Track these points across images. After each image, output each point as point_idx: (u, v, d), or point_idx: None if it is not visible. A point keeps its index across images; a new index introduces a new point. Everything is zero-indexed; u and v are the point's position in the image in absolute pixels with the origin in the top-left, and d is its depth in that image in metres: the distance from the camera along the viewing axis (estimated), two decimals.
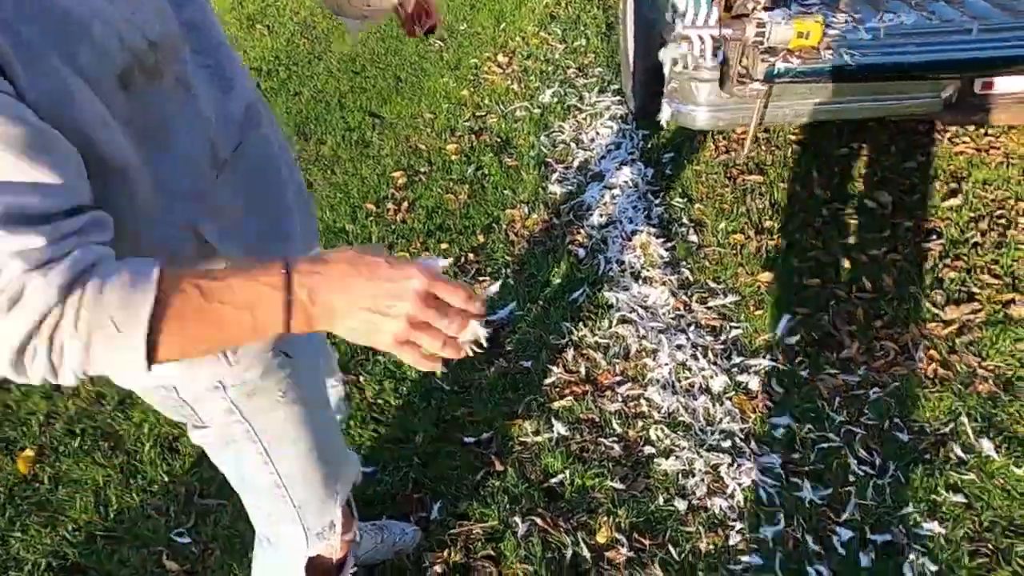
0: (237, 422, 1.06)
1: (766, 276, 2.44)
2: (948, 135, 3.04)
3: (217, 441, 1.10)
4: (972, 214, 2.63)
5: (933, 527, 1.71)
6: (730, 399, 2.06)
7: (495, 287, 2.42)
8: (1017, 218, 2.59)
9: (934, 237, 2.56)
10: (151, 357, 0.68)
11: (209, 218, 0.89)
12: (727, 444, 1.95)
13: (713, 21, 1.77)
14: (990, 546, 1.67)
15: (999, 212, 2.62)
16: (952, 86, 2.08)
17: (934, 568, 1.64)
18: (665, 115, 2.23)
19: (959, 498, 1.77)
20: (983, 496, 1.77)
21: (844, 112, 2.13)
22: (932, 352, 2.15)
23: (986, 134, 3.03)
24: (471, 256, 2.64)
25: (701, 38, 1.74)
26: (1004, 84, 2.13)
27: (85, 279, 0.66)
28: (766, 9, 1.76)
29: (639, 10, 2.95)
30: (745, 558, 1.69)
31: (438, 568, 1.70)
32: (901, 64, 1.85)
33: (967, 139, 3.02)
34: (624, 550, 1.72)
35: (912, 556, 1.66)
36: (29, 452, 2.01)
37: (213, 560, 1.75)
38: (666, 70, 2.10)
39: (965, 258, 2.45)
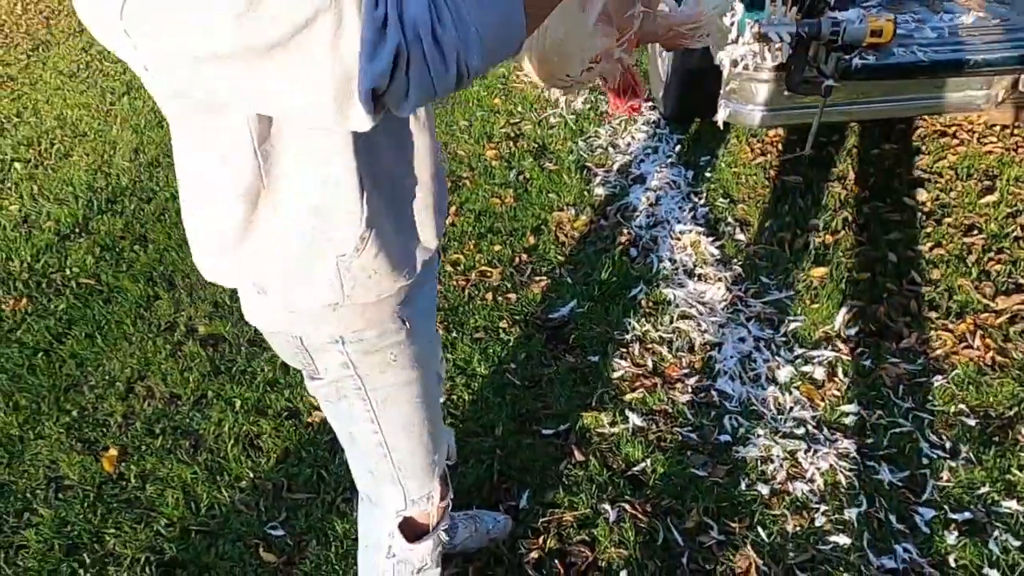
0: (350, 377, 1.10)
1: (817, 271, 2.51)
2: (976, 135, 3.14)
3: (330, 393, 1.13)
4: (1009, 210, 2.72)
5: (1011, 505, 1.77)
6: (797, 388, 2.12)
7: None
8: None
9: (975, 232, 2.64)
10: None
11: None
12: (800, 431, 2.00)
13: (790, 19, 1.84)
14: None
15: None
16: (1001, 84, 2.16)
17: (1017, 543, 1.69)
18: (722, 115, 2.30)
19: None
20: None
21: (897, 110, 2.21)
22: (988, 341, 2.22)
23: (1013, 133, 3.13)
24: (524, 257, 2.69)
25: (780, 36, 1.81)
26: None
27: None
28: (837, 8, 1.83)
29: None
30: (833, 538, 1.74)
31: (534, 554, 1.74)
32: (974, 60, 1.93)
33: (994, 138, 3.11)
34: (714, 533, 1.76)
35: (995, 533, 1.71)
36: (112, 452, 2.03)
37: (309, 551, 1.78)
38: (725, 71, 2.17)
39: (1008, 251, 2.53)
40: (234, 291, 2.62)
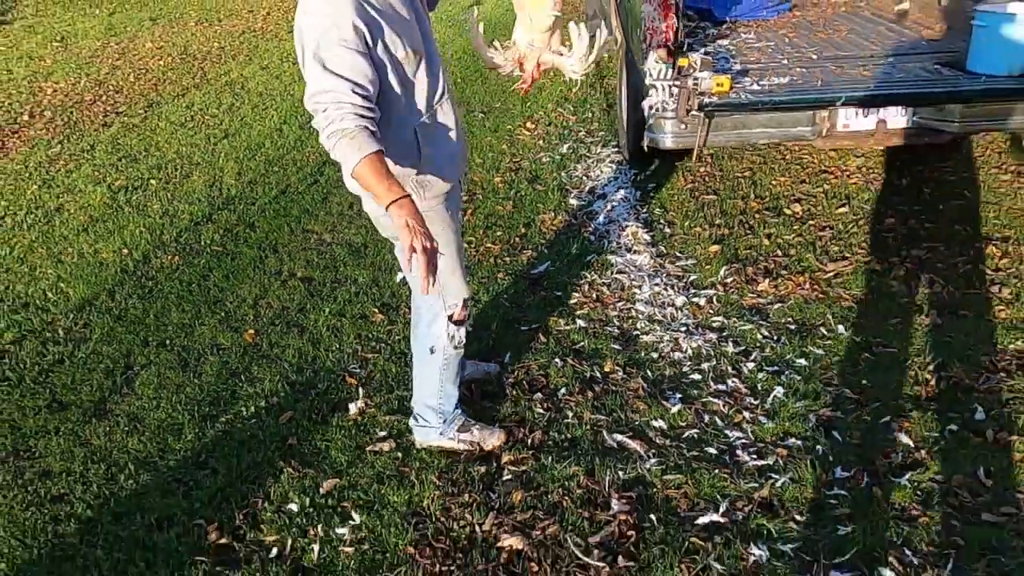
0: None
1: (713, 248, 3.71)
2: (846, 172, 4.38)
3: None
4: (855, 216, 3.93)
5: (802, 362, 2.91)
6: (687, 308, 3.29)
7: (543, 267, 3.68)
8: (882, 219, 3.88)
9: (827, 230, 3.84)
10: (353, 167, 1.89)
11: (423, 132, 2.15)
12: (683, 329, 3.16)
13: (670, 77, 3.11)
14: (835, 377, 2.86)
15: (872, 216, 3.92)
16: (823, 122, 3.42)
17: (799, 378, 2.83)
18: (646, 142, 3.55)
19: (820, 352, 2.98)
20: (836, 352, 2.97)
21: (756, 137, 3.45)
22: (815, 287, 3.39)
23: (871, 169, 4.37)
24: (518, 240, 3.92)
25: (663, 88, 3.07)
26: (855, 124, 3.47)
27: (365, 127, 1.89)
28: (700, 70, 3.09)
29: (630, 85, 4.34)
30: (690, 376, 2.88)
31: (511, 380, 2.89)
32: (772, 101, 3.17)
33: (859, 172, 4.36)
34: (621, 374, 2.91)
35: (788, 374, 2.85)
36: (251, 331, 3.23)
37: (376, 378, 2.94)
38: (646, 113, 3.43)
39: (844, 240, 3.73)
40: (320, 253, 3.85)
